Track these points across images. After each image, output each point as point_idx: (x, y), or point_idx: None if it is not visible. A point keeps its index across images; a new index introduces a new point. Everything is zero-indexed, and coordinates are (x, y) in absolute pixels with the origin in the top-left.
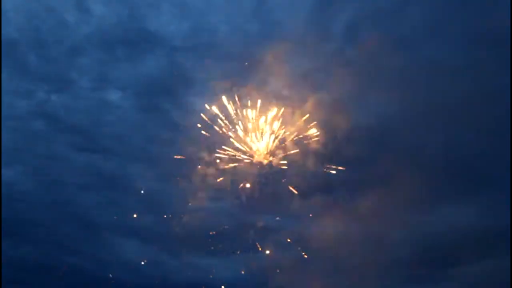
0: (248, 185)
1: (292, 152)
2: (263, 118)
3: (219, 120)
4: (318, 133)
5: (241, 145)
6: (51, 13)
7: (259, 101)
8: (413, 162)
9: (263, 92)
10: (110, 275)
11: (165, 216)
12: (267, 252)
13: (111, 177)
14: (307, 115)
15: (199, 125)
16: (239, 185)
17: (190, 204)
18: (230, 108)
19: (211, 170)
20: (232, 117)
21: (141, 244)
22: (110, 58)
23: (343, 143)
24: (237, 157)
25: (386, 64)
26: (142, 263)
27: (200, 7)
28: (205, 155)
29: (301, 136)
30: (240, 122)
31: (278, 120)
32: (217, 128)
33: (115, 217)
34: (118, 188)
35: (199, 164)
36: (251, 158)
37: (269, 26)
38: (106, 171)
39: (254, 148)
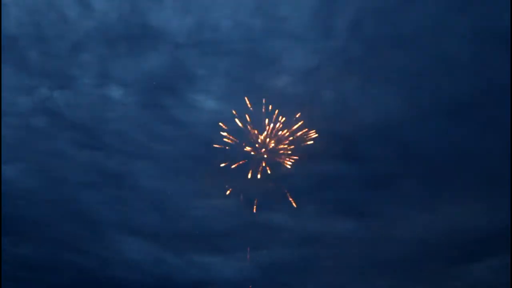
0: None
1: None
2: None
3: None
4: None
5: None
6: (52, 8)
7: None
8: (414, 163)
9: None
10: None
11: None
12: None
13: (114, 174)
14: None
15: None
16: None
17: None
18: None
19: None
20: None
21: (145, 243)
22: (112, 54)
23: (345, 141)
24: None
25: (389, 62)
26: None
27: (203, 2)
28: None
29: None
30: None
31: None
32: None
33: None
34: (121, 185)
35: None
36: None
37: (273, 22)
38: (109, 169)
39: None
